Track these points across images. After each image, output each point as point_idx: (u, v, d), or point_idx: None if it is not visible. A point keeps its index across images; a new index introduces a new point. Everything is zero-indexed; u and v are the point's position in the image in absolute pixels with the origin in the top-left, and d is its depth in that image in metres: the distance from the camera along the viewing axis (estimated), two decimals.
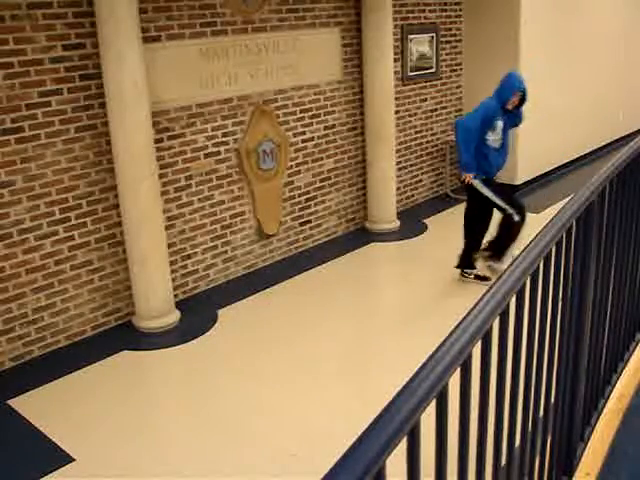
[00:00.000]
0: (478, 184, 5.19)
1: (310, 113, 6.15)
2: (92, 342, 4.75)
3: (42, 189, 4.39)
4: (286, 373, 4.24)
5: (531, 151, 7.96)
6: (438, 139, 7.79)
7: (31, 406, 3.96)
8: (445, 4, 7.49)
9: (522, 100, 5.09)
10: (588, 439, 2.53)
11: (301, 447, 3.48)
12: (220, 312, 5.13)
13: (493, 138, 5.10)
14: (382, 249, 6.46)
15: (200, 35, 5.11)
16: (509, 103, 5.04)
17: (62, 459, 3.47)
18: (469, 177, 5.13)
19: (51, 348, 4.61)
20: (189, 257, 5.37)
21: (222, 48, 5.27)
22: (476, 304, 1.45)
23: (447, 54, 7.68)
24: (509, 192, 5.54)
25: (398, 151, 7.11)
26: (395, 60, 6.73)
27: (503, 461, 1.75)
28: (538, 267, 1.77)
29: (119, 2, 4.23)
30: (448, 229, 6.88)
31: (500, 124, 5.07)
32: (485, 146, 5.11)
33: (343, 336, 4.69)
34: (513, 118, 5.22)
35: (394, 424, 1.09)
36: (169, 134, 5.04)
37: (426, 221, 7.06)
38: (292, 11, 5.79)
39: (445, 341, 1.31)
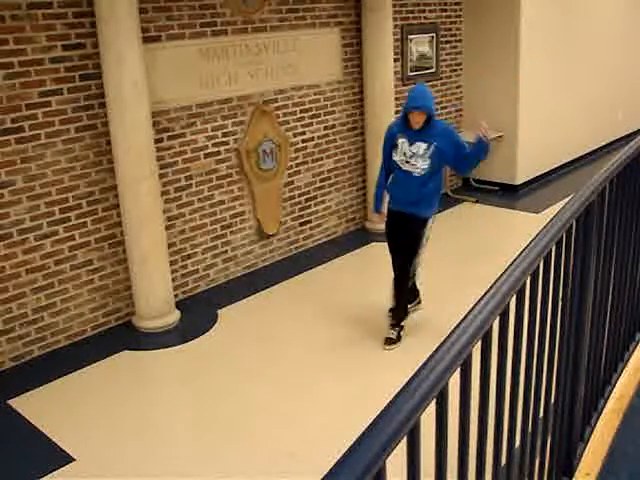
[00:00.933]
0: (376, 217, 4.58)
1: (310, 113, 6.15)
2: (92, 342, 4.75)
3: (42, 189, 4.39)
4: (286, 373, 4.24)
5: (531, 151, 7.96)
6: None
7: (31, 406, 3.96)
8: (445, 4, 7.48)
9: (428, 119, 4.12)
10: (588, 439, 2.53)
11: (300, 447, 3.48)
12: (220, 312, 5.13)
13: (399, 159, 4.23)
14: (382, 249, 6.42)
15: (200, 35, 5.11)
16: (411, 122, 4.12)
17: (62, 459, 3.47)
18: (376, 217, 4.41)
19: (51, 348, 4.61)
20: (189, 257, 5.37)
21: (222, 48, 5.27)
22: (476, 304, 1.45)
23: (447, 54, 7.68)
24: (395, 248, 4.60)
25: None
26: (395, 60, 6.73)
27: (503, 461, 1.75)
28: (538, 267, 1.77)
29: (119, 2, 4.23)
30: (448, 229, 6.88)
31: (403, 143, 4.20)
32: (392, 165, 4.31)
33: (343, 336, 4.68)
34: (449, 143, 4.15)
35: (394, 424, 1.09)
36: (169, 134, 5.04)
37: None
38: (292, 11, 5.79)
39: (445, 341, 1.31)
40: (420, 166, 4.19)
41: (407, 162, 4.23)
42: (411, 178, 4.23)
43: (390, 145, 4.31)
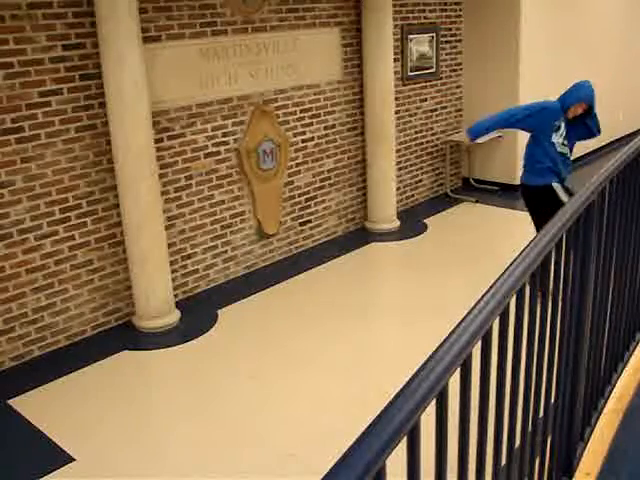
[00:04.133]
0: (558, 187, 4.84)
1: (310, 113, 6.15)
2: (92, 342, 4.75)
3: (42, 189, 4.39)
4: (286, 373, 4.24)
5: None
6: (438, 139, 7.79)
7: (31, 406, 3.96)
8: (445, 4, 7.48)
9: (587, 113, 4.75)
10: (588, 439, 2.53)
11: (301, 447, 3.48)
12: (220, 312, 5.13)
13: (559, 141, 4.79)
14: (382, 249, 6.46)
15: (200, 35, 5.11)
16: (569, 111, 4.71)
17: (62, 459, 3.47)
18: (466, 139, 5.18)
19: (51, 348, 4.61)
20: (189, 257, 5.37)
21: (222, 48, 5.27)
22: (476, 304, 1.45)
23: (447, 54, 7.68)
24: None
25: (398, 151, 7.11)
26: (395, 60, 6.73)
27: (503, 461, 1.75)
28: (538, 267, 1.77)
29: (119, 2, 4.23)
30: (448, 229, 6.89)
31: (563, 127, 4.77)
32: (553, 149, 4.80)
33: (343, 336, 4.68)
34: (580, 130, 4.88)
35: (394, 424, 1.09)
36: (169, 134, 5.04)
37: (426, 221, 7.06)
38: (292, 11, 5.79)
39: (445, 341, 1.31)
40: (568, 149, 4.87)
41: (563, 144, 4.83)
42: (565, 159, 4.87)
43: (549, 123, 4.76)
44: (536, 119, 4.79)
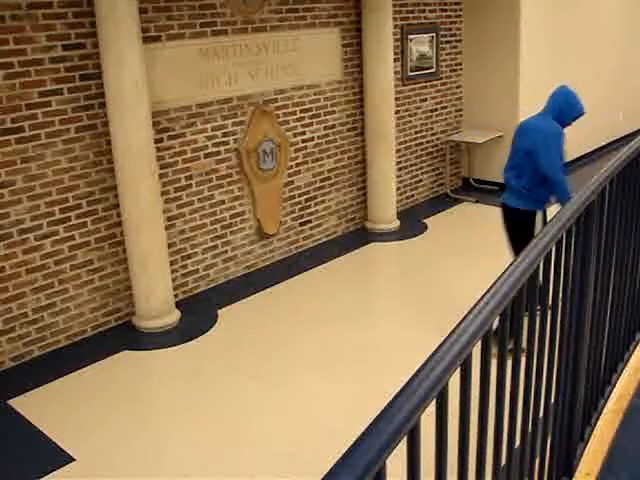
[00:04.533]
0: (539, 219, 4.35)
1: (310, 113, 6.15)
2: (92, 342, 4.75)
3: (42, 189, 4.39)
4: (286, 373, 4.24)
5: None
6: (438, 139, 7.79)
7: (31, 406, 3.96)
8: (445, 4, 7.48)
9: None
10: (588, 439, 2.53)
11: (301, 447, 3.48)
12: (220, 312, 5.13)
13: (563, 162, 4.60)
14: (382, 249, 6.46)
15: (200, 35, 5.11)
16: (567, 124, 4.57)
17: (62, 459, 3.47)
18: None
19: (51, 348, 4.61)
20: (189, 257, 5.37)
21: (222, 48, 5.27)
22: (476, 304, 1.45)
23: (447, 54, 7.68)
24: None
25: (398, 151, 7.11)
26: (395, 60, 6.73)
27: (503, 461, 1.75)
28: (538, 267, 1.77)
29: (119, 2, 4.23)
30: (448, 229, 6.89)
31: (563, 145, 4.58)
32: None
33: (343, 336, 4.68)
34: None
35: (394, 424, 1.09)
36: (169, 134, 5.04)
37: (426, 221, 7.06)
38: (292, 11, 5.79)
39: (445, 341, 1.31)
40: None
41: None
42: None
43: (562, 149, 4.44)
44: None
